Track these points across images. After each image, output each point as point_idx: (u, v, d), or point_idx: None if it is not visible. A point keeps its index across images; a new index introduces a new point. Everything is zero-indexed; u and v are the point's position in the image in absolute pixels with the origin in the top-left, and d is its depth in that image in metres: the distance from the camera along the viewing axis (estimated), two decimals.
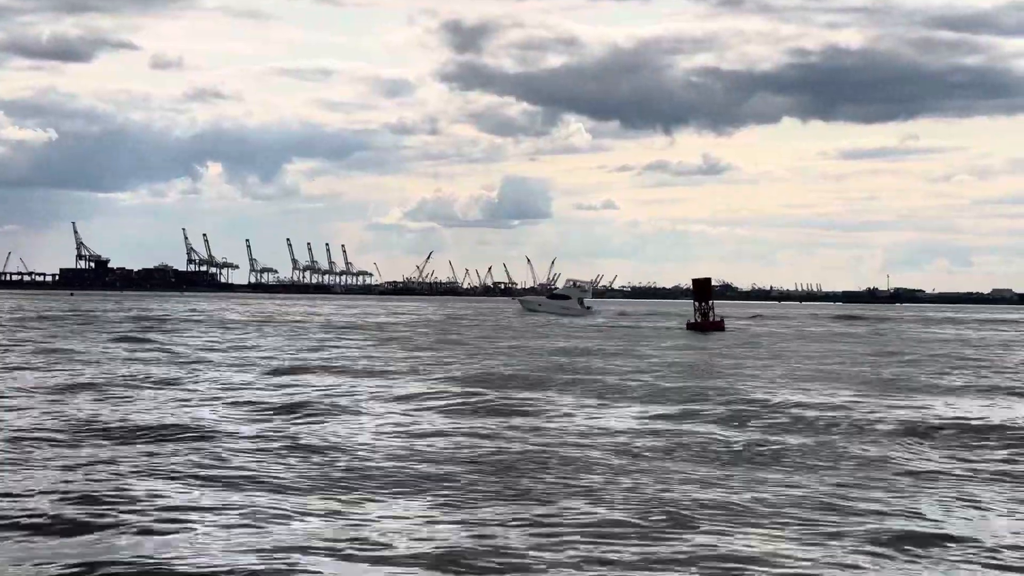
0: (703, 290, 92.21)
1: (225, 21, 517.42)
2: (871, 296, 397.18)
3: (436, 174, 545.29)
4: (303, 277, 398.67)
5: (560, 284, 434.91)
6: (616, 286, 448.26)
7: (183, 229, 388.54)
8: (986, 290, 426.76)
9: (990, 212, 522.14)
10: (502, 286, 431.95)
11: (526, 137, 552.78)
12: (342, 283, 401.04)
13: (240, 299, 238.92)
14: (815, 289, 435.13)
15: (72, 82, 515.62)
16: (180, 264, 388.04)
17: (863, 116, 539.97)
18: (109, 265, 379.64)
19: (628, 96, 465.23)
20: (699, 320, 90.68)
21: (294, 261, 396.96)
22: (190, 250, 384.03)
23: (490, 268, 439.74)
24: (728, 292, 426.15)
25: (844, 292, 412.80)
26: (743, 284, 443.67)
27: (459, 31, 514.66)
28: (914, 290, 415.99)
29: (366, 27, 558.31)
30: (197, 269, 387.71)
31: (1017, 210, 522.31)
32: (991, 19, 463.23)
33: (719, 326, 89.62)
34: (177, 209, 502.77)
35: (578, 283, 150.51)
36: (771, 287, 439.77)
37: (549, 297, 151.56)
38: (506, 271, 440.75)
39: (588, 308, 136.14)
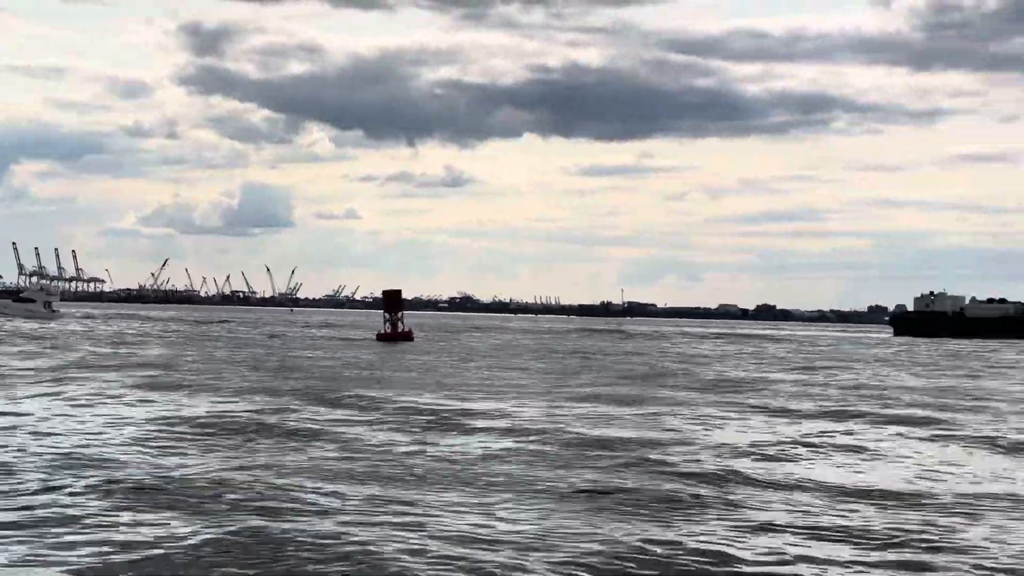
0: (393, 301, 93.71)
1: None
2: (605, 310, 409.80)
3: (176, 179, 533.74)
4: (30, 283, 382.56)
5: (301, 294, 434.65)
6: (358, 296, 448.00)
7: None
8: (713, 305, 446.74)
9: (719, 230, 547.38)
10: (241, 295, 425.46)
11: (268, 144, 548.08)
12: (72, 289, 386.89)
13: None
14: (553, 302, 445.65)
15: None
16: None
17: (603, 133, 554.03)
18: None
19: (372, 106, 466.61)
20: (388, 331, 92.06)
21: (19, 266, 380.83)
22: None
23: (228, 276, 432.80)
24: (468, 304, 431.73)
25: (580, 305, 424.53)
26: (484, 296, 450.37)
27: (199, 34, 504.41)
28: (646, 304, 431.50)
29: (103, 25, 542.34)
30: None
31: (743, 229, 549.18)
32: (720, 44, 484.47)
33: (408, 336, 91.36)
34: None
35: (44, 287, 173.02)
36: (510, 299, 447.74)
37: (15, 300, 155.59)
38: (245, 280, 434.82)
39: (54, 311, 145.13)
